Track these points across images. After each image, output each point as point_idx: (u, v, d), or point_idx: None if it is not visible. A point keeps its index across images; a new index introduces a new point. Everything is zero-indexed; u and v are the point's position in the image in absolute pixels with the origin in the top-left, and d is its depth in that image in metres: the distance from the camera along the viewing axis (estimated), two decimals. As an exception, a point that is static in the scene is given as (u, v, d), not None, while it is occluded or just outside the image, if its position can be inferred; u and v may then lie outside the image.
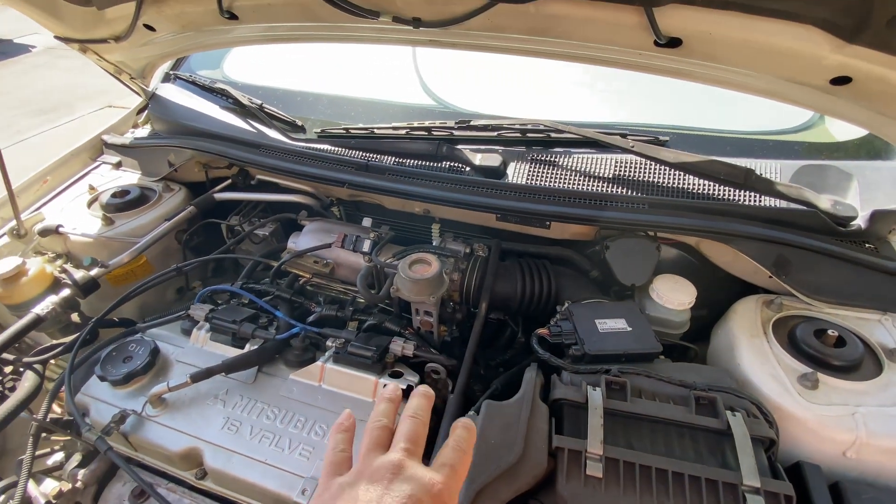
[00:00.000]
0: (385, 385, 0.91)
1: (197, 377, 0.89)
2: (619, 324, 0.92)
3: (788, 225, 1.01)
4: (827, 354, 0.86)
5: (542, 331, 0.93)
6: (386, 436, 0.49)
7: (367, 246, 1.12)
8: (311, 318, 1.05)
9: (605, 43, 0.90)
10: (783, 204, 1.01)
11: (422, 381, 0.94)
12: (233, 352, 0.99)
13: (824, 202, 1.02)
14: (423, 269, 0.97)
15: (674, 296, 1.01)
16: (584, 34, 0.89)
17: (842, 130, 1.18)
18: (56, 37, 1.33)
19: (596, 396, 0.77)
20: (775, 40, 0.79)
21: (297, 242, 1.20)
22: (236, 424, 0.87)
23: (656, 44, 0.85)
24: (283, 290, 1.12)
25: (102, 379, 0.93)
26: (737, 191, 1.05)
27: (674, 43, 0.84)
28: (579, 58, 0.96)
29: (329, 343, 0.99)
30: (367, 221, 1.24)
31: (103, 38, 1.29)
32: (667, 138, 1.13)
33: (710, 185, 1.07)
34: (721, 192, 1.06)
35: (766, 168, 1.09)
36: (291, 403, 0.91)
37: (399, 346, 0.95)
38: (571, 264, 1.16)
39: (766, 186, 1.00)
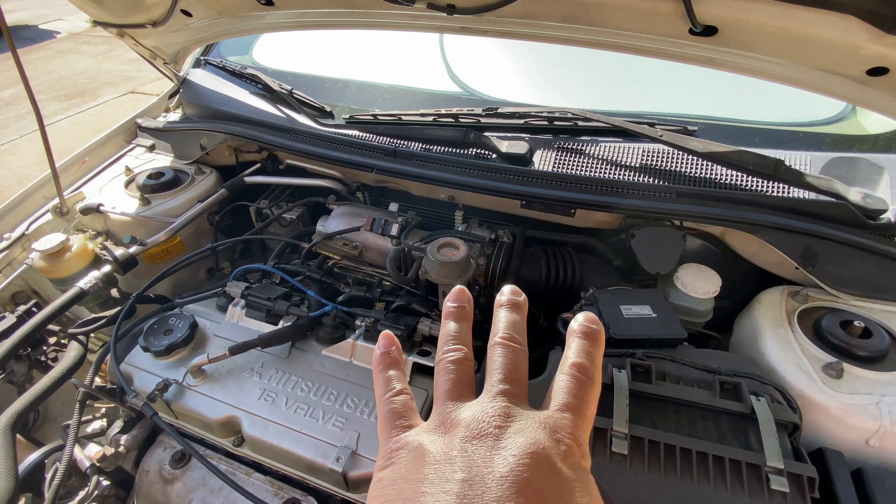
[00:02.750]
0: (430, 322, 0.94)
1: (235, 350, 0.94)
2: (643, 310, 0.93)
3: (817, 217, 1.00)
4: (853, 345, 0.87)
5: (567, 315, 0.95)
6: (469, 371, 0.34)
7: (395, 230, 1.15)
8: (340, 298, 1.08)
9: (638, 31, 0.91)
10: (812, 195, 1.01)
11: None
12: (267, 328, 1.03)
13: (854, 195, 1.01)
14: (451, 252, 1.00)
15: (699, 284, 1.02)
16: (619, 22, 0.90)
17: (874, 123, 1.17)
18: (96, 21, 1.37)
19: (621, 378, 0.79)
20: (813, 30, 0.79)
21: (327, 225, 1.24)
22: (272, 395, 0.92)
23: (691, 32, 0.85)
24: (314, 271, 1.16)
25: (146, 349, 0.98)
26: (765, 182, 1.05)
27: (709, 31, 0.84)
28: (612, 46, 0.97)
29: (358, 322, 1.02)
30: (393, 206, 1.27)
31: (141, 23, 1.33)
32: (695, 128, 1.13)
33: (737, 176, 1.07)
34: (749, 183, 1.06)
35: (796, 159, 1.09)
36: (324, 377, 0.95)
37: (427, 326, 0.98)
38: (595, 252, 1.18)
39: (796, 178, 1.00)
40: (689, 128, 1.13)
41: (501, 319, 0.35)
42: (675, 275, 1.06)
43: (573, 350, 0.33)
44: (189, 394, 0.94)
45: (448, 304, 0.36)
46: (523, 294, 0.37)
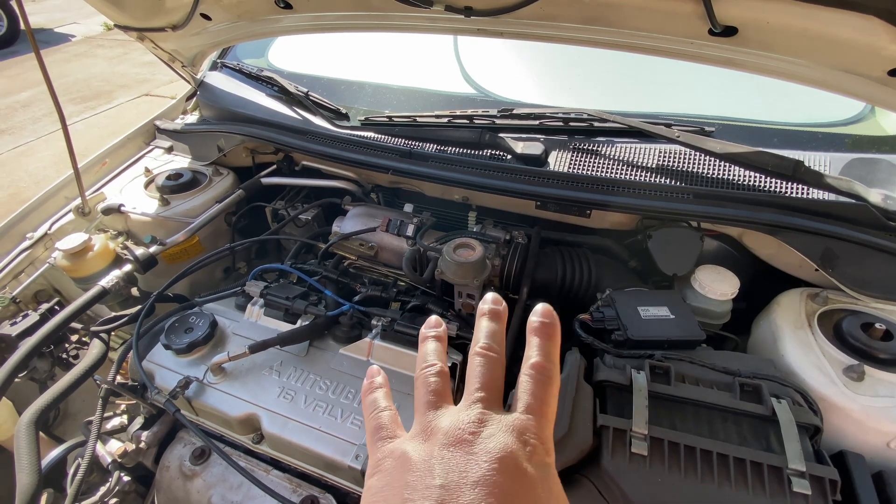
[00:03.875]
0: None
1: (254, 348, 0.95)
2: (661, 311, 0.93)
3: (837, 218, 1.00)
4: (874, 347, 0.86)
5: (585, 316, 0.96)
6: (445, 383, 0.36)
7: (410, 230, 1.16)
8: (357, 298, 1.09)
9: (657, 32, 0.91)
10: (831, 197, 1.01)
11: (464, 362, 0.98)
12: (285, 326, 1.04)
13: (874, 196, 1.00)
14: (468, 253, 1.00)
15: (716, 286, 1.02)
16: (637, 23, 0.90)
17: (893, 123, 1.16)
18: (116, 25, 1.40)
19: (640, 379, 0.79)
20: (834, 30, 0.79)
21: (343, 226, 1.25)
22: (291, 394, 0.93)
23: (711, 33, 0.85)
24: (330, 271, 1.17)
25: (167, 347, 0.99)
26: (784, 183, 1.04)
27: (729, 32, 0.84)
28: (630, 47, 0.97)
29: (374, 322, 1.03)
30: (408, 207, 1.28)
31: (161, 26, 1.35)
32: (713, 128, 1.13)
33: (756, 177, 1.06)
34: (767, 184, 1.06)
35: (815, 160, 1.08)
36: (342, 376, 0.96)
37: (443, 327, 0.99)
38: (610, 254, 1.18)
39: (815, 179, 0.99)
40: (707, 128, 1.13)
41: (481, 329, 0.38)
42: (692, 276, 1.05)
43: (532, 348, 0.36)
44: (209, 391, 0.95)
45: (424, 329, 0.41)
46: (504, 303, 0.40)
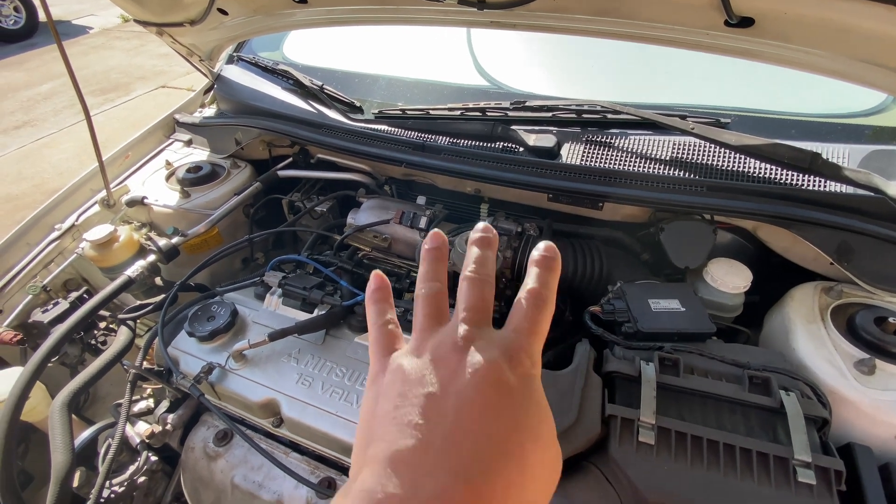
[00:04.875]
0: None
1: (274, 336, 0.99)
2: (672, 304, 0.94)
3: (854, 211, 0.99)
4: (887, 342, 0.86)
5: (595, 308, 0.97)
6: (443, 302, 0.38)
7: (423, 223, 1.18)
8: (371, 289, 1.12)
9: (672, 23, 0.90)
10: (849, 189, 0.99)
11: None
12: (302, 315, 1.08)
13: (894, 189, 0.99)
14: (480, 245, 1.02)
15: (729, 279, 1.02)
16: (652, 14, 0.90)
17: (917, 114, 1.13)
18: (136, 20, 1.43)
19: (649, 370, 0.81)
20: (854, 21, 0.77)
21: (357, 218, 1.27)
22: (309, 380, 0.96)
23: (727, 24, 0.84)
24: (345, 262, 1.20)
25: (190, 335, 1.04)
26: (800, 175, 1.03)
27: (746, 23, 0.83)
28: (644, 38, 0.96)
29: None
30: (421, 200, 1.30)
31: (179, 21, 1.38)
32: (728, 120, 1.12)
33: (772, 169, 1.05)
34: (783, 177, 1.05)
35: (834, 152, 1.06)
36: (357, 364, 0.99)
37: (455, 317, 1.01)
38: (622, 246, 1.18)
39: (833, 171, 0.98)
40: (722, 120, 1.12)
41: (471, 255, 0.38)
42: (704, 269, 1.05)
43: (531, 277, 0.37)
44: (231, 377, 0.99)
45: (425, 246, 0.40)
46: (493, 231, 0.40)
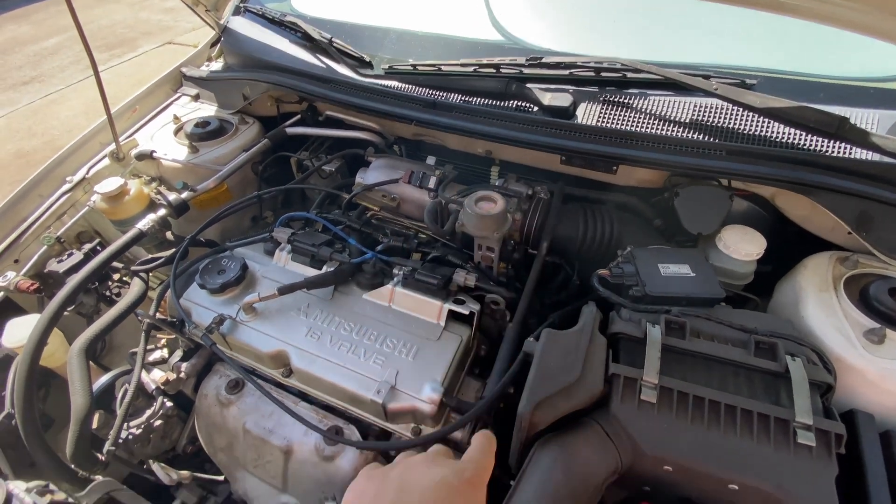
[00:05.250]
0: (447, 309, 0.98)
1: (283, 290, 1.00)
2: (682, 269, 0.93)
3: (878, 179, 0.95)
4: (900, 312, 0.85)
5: (604, 271, 0.96)
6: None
7: (432, 182, 1.17)
8: (379, 248, 1.12)
9: (702, -28, 0.85)
10: (875, 157, 0.96)
11: (482, 311, 1.00)
12: (311, 272, 1.09)
13: (924, 157, 0.95)
14: (489, 206, 1.01)
15: (742, 246, 1.00)
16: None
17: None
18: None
19: (654, 332, 0.81)
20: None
21: (366, 177, 1.26)
22: (318, 333, 0.98)
23: (761, -27, 0.79)
24: (354, 221, 1.19)
25: (202, 287, 1.05)
26: (825, 141, 0.99)
27: (781, -29, 0.78)
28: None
29: (396, 271, 1.06)
30: (431, 160, 1.27)
31: (185, -34, 1.33)
32: (754, 81, 1.07)
33: (795, 134, 1.02)
34: (807, 142, 1.01)
35: (863, 118, 1.02)
36: (365, 319, 1.00)
37: (462, 277, 1.02)
38: (634, 211, 1.16)
39: (860, 137, 0.94)
40: (748, 81, 1.07)
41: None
42: (717, 236, 1.04)
43: (476, 444, 0.62)
44: (242, 328, 1.01)
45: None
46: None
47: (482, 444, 0.59)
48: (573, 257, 1.14)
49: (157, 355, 1.25)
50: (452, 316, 1.00)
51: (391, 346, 0.96)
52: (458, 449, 0.94)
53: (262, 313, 1.03)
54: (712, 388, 0.75)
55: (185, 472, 1.03)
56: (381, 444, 0.91)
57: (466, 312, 0.97)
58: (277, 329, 1.00)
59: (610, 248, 1.08)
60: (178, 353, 1.16)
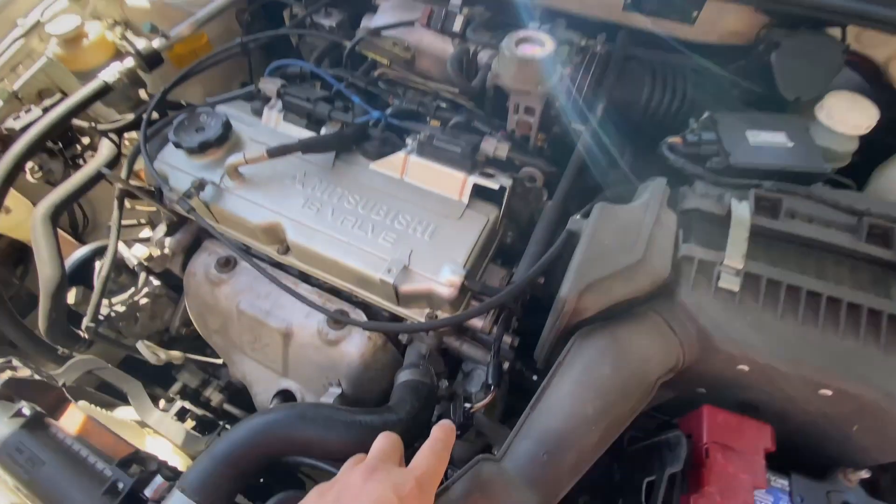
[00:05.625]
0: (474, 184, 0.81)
1: (273, 152, 0.82)
2: (777, 137, 0.73)
3: None
4: None
5: (675, 139, 0.76)
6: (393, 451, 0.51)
7: (457, 25, 0.92)
8: (389, 111, 0.92)
9: None
10: None
11: (514, 188, 0.83)
12: (307, 134, 0.90)
13: None
14: (533, 48, 0.78)
15: (850, 116, 0.79)
16: None
17: None
18: None
19: (741, 209, 0.64)
20: None
21: (374, 20, 1.01)
22: (317, 205, 0.82)
23: None
24: (358, 78, 0.97)
25: (177, 146, 0.88)
26: None
27: None
28: None
29: (409, 140, 0.87)
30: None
31: None
32: None
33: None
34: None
35: None
36: (372, 192, 0.84)
37: (492, 146, 0.82)
38: (713, 77, 0.92)
39: None
40: None
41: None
42: (819, 104, 0.81)
43: (429, 441, 0.50)
44: (228, 196, 0.86)
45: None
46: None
47: (434, 443, 0.49)
48: (635, 127, 0.93)
49: (145, 233, 1.13)
50: (478, 192, 0.83)
51: (404, 223, 0.80)
52: (480, 340, 0.83)
53: (250, 180, 0.87)
54: (809, 276, 0.60)
55: (175, 353, 0.94)
56: (389, 326, 0.79)
57: (496, 187, 0.80)
58: (269, 198, 0.84)
59: (679, 117, 0.87)
60: (162, 228, 1.02)
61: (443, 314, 0.78)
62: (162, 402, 1.14)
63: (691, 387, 0.67)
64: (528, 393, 0.88)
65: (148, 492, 0.59)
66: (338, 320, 0.80)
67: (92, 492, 0.64)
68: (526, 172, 0.84)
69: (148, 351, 0.85)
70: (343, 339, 0.83)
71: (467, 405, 0.73)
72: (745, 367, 0.58)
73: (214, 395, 1.16)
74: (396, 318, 0.82)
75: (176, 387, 1.21)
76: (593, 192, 0.84)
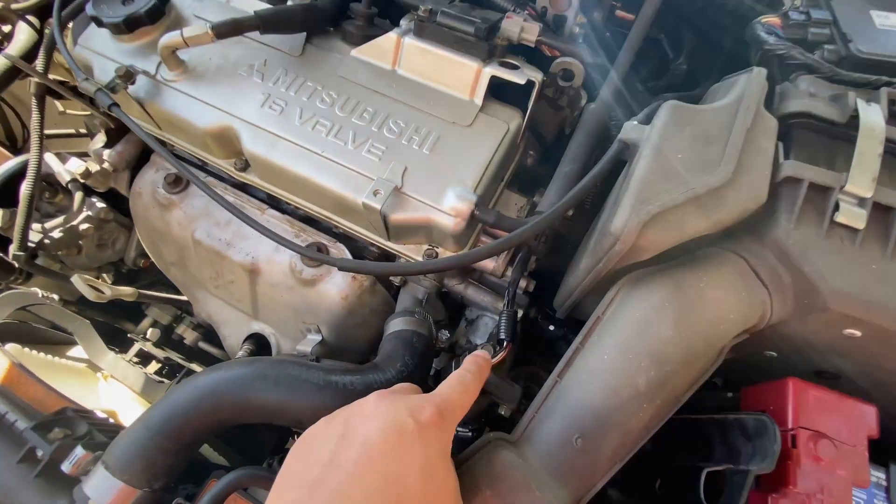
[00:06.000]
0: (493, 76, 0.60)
1: (221, 29, 0.60)
2: (919, 16, 0.52)
3: None
4: None
5: (772, 17, 0.55)
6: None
7: None
8: (380, -20, 0.69)
9: None
10: None
11: (544, 81, 0.62)
12: (268, 7, 0.68)
13: None
14: None
15: None
16: None
17: None
18: None
19: (872, 113, 0.45)
20: None
21: None
22: (280, 104, 0.63)
23: None
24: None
25: (98, 23, 0.66)
26: None
27: None
28: None
29: (404, 21, 0.66)
30: None
31: None
32: None
33: None
34: None
35: None
36: (354, 88, 0.64)
37: (517, 26, 0.61)
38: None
39: None
40: None
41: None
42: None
43: (458, 370, 0.44)
44: (167, 91, 0.66)
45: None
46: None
47: (464, 373, 0.42)
48: (698, 14, 0.71)
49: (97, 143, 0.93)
50: (494, 92, 0.63)
51: (396, 129, 0.61)
52: (488, 284, 0.68)
53: (194, 71, 0.66)
54: (959, 212, 0.43)
55: (125, 288, 0.79)
56: (374, 266, 0.60)
57: (521, 82, 0.59)
58: (218, 95, 0.64)
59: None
60: (101, 137, 0.83)
61: (445, 252, 0.61)
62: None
63: (760, 350, 0.52)
64: (540, 341, 0.75)
65: (66, 467, 0.46)
66: (311, 258, 0.63)
67: (7, 458, 0.51)
68: (561, 64, 0.63)
69: (83, 285, 0.70)
70: (321, 279, 0.67)
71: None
72: (857, 332, 0.43)
73: (188, 333, 1.04)
74: (389, 257, 0.66)
75: (146, 323, 1.09)
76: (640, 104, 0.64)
